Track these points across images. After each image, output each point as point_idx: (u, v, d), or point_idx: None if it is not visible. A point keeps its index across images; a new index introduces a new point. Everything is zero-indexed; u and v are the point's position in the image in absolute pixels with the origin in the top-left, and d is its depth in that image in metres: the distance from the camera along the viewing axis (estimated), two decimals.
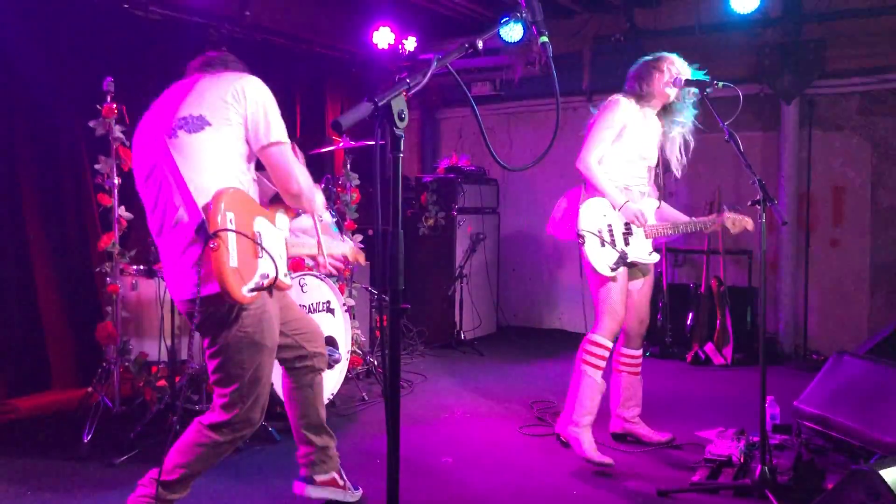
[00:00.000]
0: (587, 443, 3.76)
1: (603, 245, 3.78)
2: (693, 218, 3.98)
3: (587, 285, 3.90)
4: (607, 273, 3.76)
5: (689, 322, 6.29)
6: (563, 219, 3.90)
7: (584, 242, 3.74)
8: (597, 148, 3.79)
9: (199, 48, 5.66)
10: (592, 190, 3.83)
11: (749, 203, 3.37)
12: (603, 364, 3.84)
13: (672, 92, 3.81)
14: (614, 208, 3.81)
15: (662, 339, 6.40)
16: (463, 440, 4.21)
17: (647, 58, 3.90)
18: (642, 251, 3.89)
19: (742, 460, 3.60)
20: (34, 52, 4.88)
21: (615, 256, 3.78)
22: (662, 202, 4.07)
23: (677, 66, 3.82)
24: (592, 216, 3.79)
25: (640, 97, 3.85)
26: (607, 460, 3.68)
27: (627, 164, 3.87)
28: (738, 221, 3.85)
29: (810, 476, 3.42)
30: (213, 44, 5.73)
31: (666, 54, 3.87)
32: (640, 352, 4.13)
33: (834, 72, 6.21)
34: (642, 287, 4.02)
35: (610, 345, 3.86)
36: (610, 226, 3.82)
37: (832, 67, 6.21)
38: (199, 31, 5.75)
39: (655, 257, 3.95)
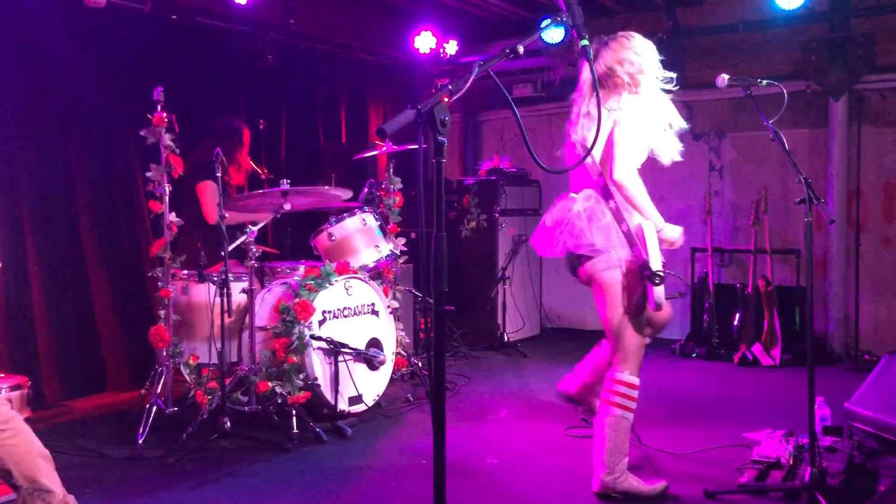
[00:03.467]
0: (636, 485, 3.37)
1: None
2: None
3: (615, 318, 3.28)
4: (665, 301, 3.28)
5: (736, 323, 6.20)
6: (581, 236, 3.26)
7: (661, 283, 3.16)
8: (633, 157, 3.26)
9: (245, 56, 5.87)
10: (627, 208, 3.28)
11: (795, 202, 3.31)
12: (634, 404, 3.32)
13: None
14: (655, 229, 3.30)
15: (709, 340, 6.31)
16: (507, 441, 4.23)
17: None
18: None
19: (791, 462, 3.55)
20: (86, 66, 5.03)
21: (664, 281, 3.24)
22: None
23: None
24: (656, 248, 3.22)
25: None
26: (661, 485, 3.40)
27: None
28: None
29: (862, 479, 3.37)
30: (258, 51, 5.86)
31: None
32: None
33: (884, 66, 6.10)
34: None
35: (639, 381, 3.36)
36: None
37: (882, 62, 6.09)
38: (245, 39, 5.88)
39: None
